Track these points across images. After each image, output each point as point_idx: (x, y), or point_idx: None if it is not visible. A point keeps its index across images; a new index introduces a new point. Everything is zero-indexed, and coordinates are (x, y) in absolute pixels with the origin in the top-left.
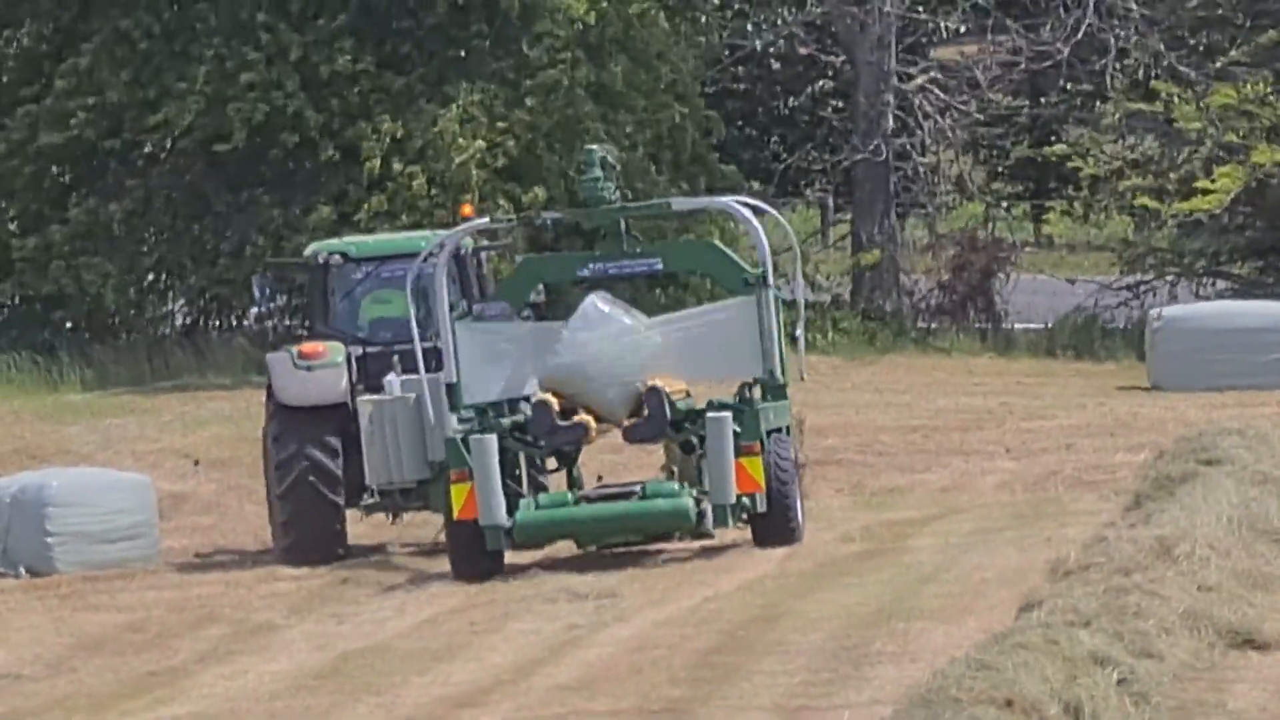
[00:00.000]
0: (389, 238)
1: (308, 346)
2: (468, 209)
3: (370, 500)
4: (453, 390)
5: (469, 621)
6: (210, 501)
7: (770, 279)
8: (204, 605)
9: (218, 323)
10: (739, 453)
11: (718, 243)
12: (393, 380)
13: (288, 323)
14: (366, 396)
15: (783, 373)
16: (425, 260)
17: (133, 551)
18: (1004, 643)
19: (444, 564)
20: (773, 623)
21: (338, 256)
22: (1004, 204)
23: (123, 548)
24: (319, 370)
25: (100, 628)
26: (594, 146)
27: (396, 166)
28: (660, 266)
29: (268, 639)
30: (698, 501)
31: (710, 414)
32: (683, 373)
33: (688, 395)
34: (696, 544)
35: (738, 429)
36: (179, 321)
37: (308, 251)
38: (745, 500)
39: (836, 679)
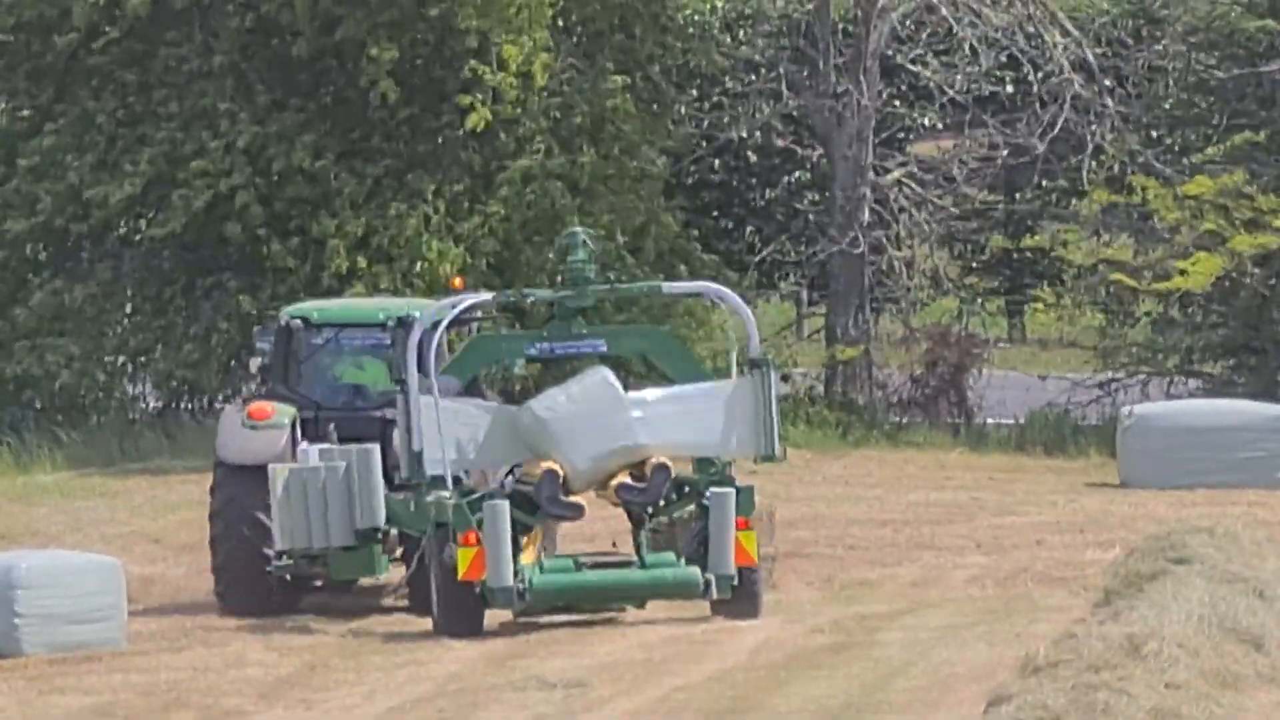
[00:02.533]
0: (355, 304)
1: (255, 407)
2: (458, 282)
3: (280, 563)
4: (418, 458)
5: (437, 709)
6: (180, 585)
7: (771, 361)
8: (172, 690)
9: (190, 406)
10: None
11: (664, 330)
12: (307, 449)
13: None
14: (278, 464)
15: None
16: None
17: (101, 634)
18: None
19: (412, 649)
20: (742, 715)
21: (299, 321)
22: (978, 299)
23: (91, 630)
24: (263, 430)
25: (66, 711)
26: (576, 229)
27: (363, 263)
28: (604, 349)
29: None
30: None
31: (715, 489)
32: (675, 446)
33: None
34: (668, 631)
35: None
36: (150, 404)
37: (281, 313)
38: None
39: None
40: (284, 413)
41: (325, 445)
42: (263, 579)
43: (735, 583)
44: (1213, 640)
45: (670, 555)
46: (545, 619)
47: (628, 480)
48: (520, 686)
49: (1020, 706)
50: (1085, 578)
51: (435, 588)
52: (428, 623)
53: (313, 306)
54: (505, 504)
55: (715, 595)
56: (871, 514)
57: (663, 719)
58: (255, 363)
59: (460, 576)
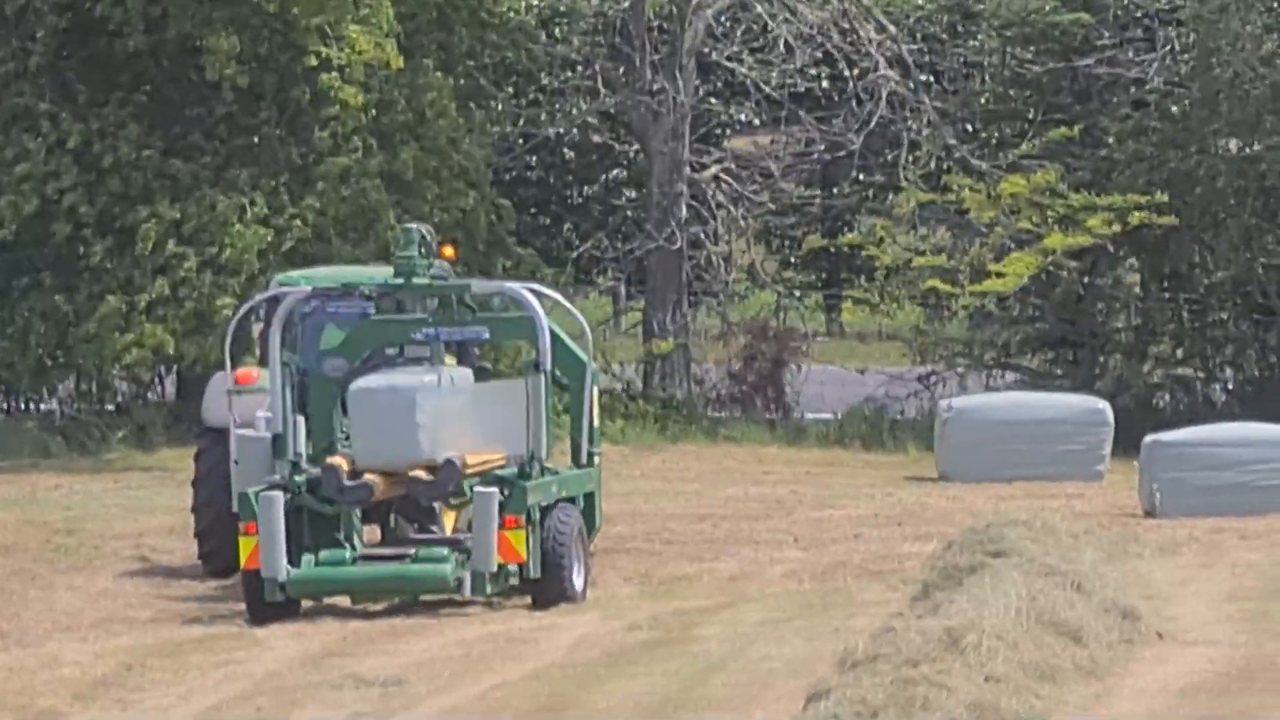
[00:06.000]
0: (342, 272)
1: (241, 372)
2: (449, 252)
3: None
4: (278, 441)
5: (255, 708)
6: None
7: (547, 365)
8: None
9: (5, 406)
10: (501, 525)
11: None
12: (260, 416)
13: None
14: (239, 430)
15: (546, 453)
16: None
17: None
18: None
19: (230, 649)
20: (559, 713)
21: (285, 289)
22: (796, 293)
23: None
24: (245, 395)
25: None
26: (413, 225)
27: (171, 248)
28: (487, 336)
29: None
30: (460, 566)
31: (478, 488)
32: (467, 448)
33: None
34: (486, 628)
35: (503, 500)
36: None
37: (272, 281)
38: (509, 569)
39: None
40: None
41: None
42: None
43: (510, 579)
44: (1031, 633)
45: (442, 552)
46: (366, 617)
47: (419, 473)
48: (338, 685)
49: (839, 701)
50: (903, 571)
51: None
52: (246, 623)
53: (302, 275)
54: (278, 496)
55: (470, 593)
56: (689, 509)
57: (480, 717)
58: (258, 328)
59: (242, 565)
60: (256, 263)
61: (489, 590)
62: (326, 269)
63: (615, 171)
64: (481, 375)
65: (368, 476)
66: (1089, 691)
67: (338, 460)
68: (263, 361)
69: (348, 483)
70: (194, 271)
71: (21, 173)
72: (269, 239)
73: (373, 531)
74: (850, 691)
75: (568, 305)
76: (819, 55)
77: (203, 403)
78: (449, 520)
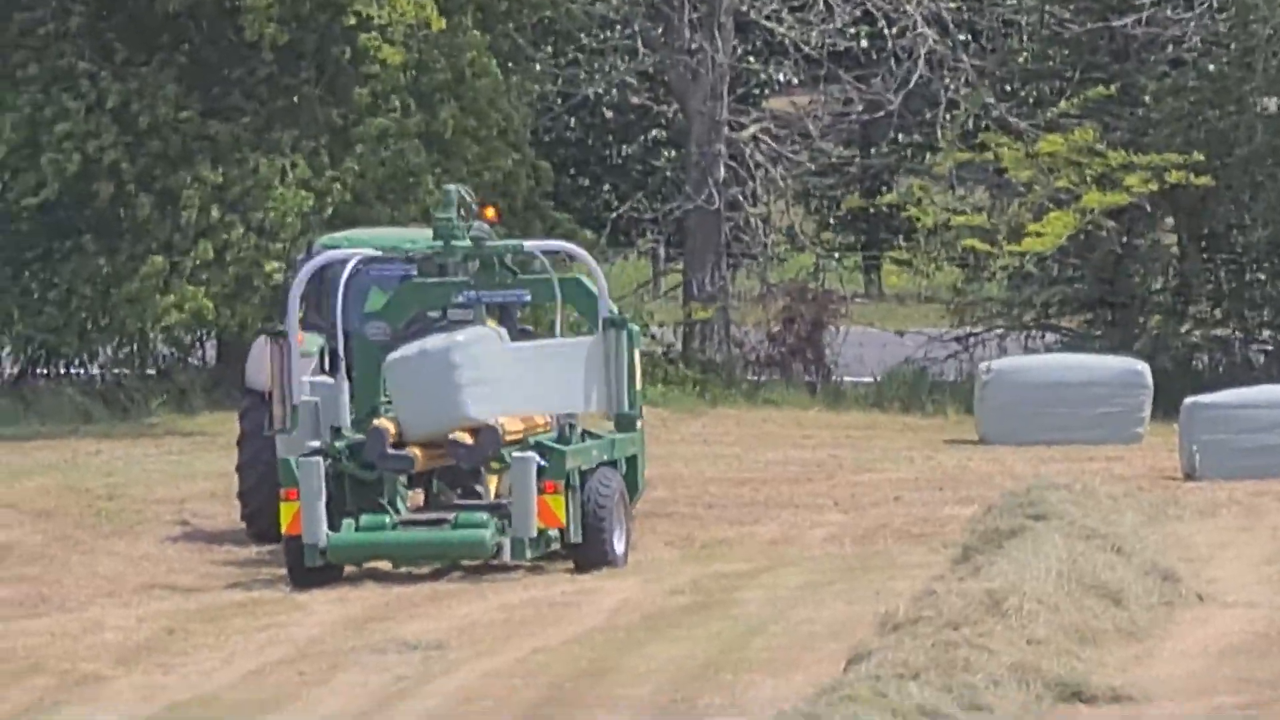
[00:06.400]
0: (384, 234)
1: None
2: (491, 213)
3: None
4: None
5: (298, 672)
6: (36, 552)
7: (625, 318)
8: (29, 655)
9: (45, 371)
10: (541, 490)
11: (585, 280)
12: (303, 381)
13: None
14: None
15: (631, 408)
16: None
17: None
18: (832, 695)
19: (273, 613)
20: (600, 676)
21: (329, 251)
22: (835, 255)
23: None
24: None
25: None
26: (453, 186)
27: (215, 214)
28: (529, 298)
29: (94, 690)
30: (500, 532)
31: (516, 454)
32: (521, 408)
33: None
34: (527, 593)
35: (543, 466)
36: (6, 370)
37: (314, 243)
38: (549, 534)
39: None
40: (312, 341)
41: (319, 378)
42: None
43: (550, 544)
44: (1072, 596)
45: (482, 517)
46: (408, 581)
47: (458, 437)
48: (380, 649)
49: (880, 664)
50: (944, 534)
51: None
52: (288, 587)
53: (344, 236)
54: (318, 462)
55: (510, 558)
56: (730, 473)
57: (521, 680)
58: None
59: (284, 531)
60: (298, 225)
61: (529, 555)
62: (368, 230)
63: (654, 132)
64: (523, 338)
65: (409, 449)
66: (1129, 653)
67: (384, 423)
68: (306, 325)
69: (390, 450)
70: (240, 235)
71: (62, 131)
72: (310, 202)
73: (417, 495)
74: (891, 654)
75: (592, 264)
76: (857, 14)
77: (247, 365)
78: (492, 484)
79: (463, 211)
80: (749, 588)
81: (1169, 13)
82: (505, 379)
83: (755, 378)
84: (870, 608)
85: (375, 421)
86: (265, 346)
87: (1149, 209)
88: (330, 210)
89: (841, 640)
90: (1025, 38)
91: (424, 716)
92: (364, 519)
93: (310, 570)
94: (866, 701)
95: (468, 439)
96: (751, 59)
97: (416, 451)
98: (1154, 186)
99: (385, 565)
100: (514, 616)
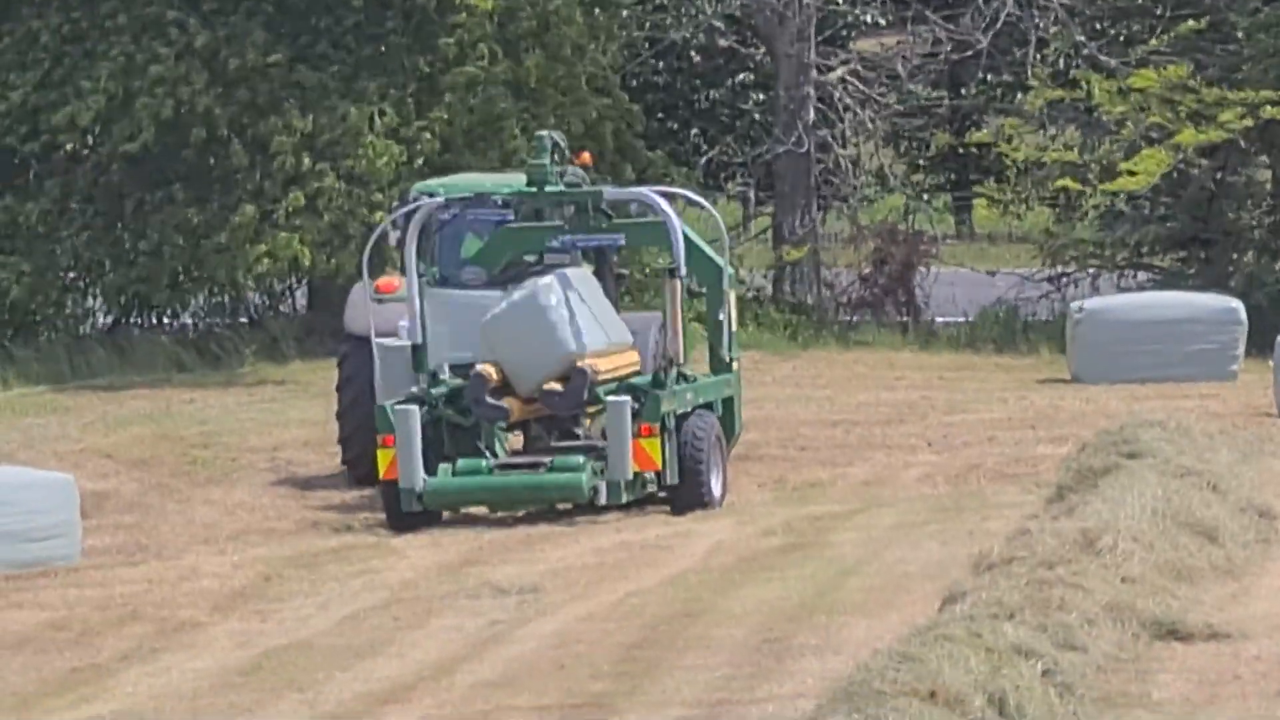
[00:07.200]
0: (478, 179)
1: (383, 281)
2: (586, 157)
3: None
4: (418, 352)
5: (392, 617)
6: (133, 500)
7: (682, 270)
8: (127, 603)
9: (140, 320)
10: (636, 433)
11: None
12: (402, 325)
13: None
14: (379, 339)
15: (685, 357)
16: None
17: (55, 550)
18: (927, 635)
19: (367, 559)
20: (695, 617)
21: (425, 198)
22: (925, 196)
23: (45, 546)
24: (387, 304)
25: (23, 626)
26: (545, 132)
27: (307, 163)
28: (623, 242)
29: (191, 636)
30: (596, 475)
31: (610, 398)
32: (610, 347)
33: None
34: (620, 536)
35: (637, 409)
36: (101, 320)
37: (411, 190)
38: (645, 476)
39: (759, 673)
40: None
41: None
42: None
43: (647, 486)
44: (1167, 534)
45: (578, 459)
46: (502, 526)
47: (552, 385)
48: (474, 593)
49: (975, 603)
50: (1037, 474)
51: None
52: (383, 532)
53: (440, 183)
54: (414, 409)
55: (605, 500)
56: (822, 414)
57: (615, 623)
58: (396, 237)
59: (381, 476)
60: (388, 174)
61: (625, 498)
62: (464, 176)
63: (742, 75)
64: (618, 281)
65: (506, 400)
66: (1225, 591)
67: (486, 368)
68: (403, 271)
69: (489, 400)
70: (331, 183)
71: (155, 75)
72: (400, 152)
73: (516, 438)
74: (986, 594)
75: (704, 203)
76: None
77: (346, 310)
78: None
79: (555, 156)
80: (842, 529)
81: None
82: (597, 314)
83: (846, 319)
84: (964, 548)
85: (478, 366)
86: (363, 292)
87: (1243, 145)
88: (421, 160)
89: (936, 580)
90: None
91: (518, 661)
92: (460, 464)
93: (407, 515)
94: (961, 641)
95: (559, 387)
96: (839, 1)
97: (513, 402)
98: (1249, 122)
99: (481, 510)
100: (607, 560)
